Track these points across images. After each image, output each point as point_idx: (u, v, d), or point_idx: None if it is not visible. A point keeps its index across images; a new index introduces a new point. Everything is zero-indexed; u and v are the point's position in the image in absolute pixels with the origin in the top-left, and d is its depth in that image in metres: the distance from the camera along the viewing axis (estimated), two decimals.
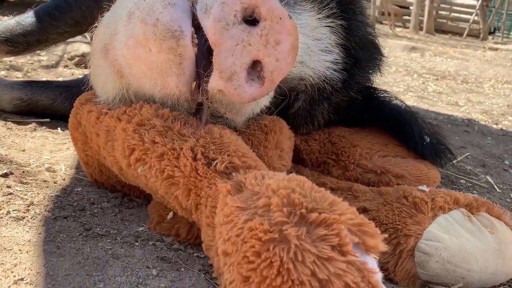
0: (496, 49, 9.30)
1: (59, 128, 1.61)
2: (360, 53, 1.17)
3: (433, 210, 0.88)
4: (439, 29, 13.90)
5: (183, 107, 0.90)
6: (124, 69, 0.91)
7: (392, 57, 7.04)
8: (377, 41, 1.29)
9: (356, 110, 1.26)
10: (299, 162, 1.23)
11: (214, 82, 0.80)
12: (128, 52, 0.86)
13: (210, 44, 0.78)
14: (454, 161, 1.87)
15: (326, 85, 1.13)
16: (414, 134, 1.20)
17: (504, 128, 3.09)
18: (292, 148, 1.12)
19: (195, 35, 0.81)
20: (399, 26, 13.64)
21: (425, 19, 12.12)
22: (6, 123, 1.54)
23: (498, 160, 2.01)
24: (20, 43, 1.61)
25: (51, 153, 1.35)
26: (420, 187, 0.97)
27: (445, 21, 15.13)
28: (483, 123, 3.21)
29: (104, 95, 1.02)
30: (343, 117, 1.26)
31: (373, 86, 1.33)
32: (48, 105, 1.68)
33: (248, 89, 0.80)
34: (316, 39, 1.11)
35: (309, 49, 1.09)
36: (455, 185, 1.65)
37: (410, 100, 3.67)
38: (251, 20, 0.79)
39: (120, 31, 0.89)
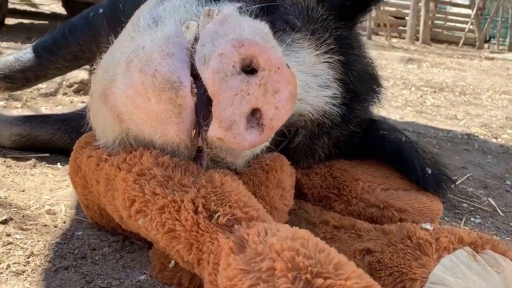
0: (492, 59, 9.35)
1: (59, 163, 1.60)
2: (359, 87, 1.18)
3: (438, 251, 0.87)
4: (435, 39, 14.00)
5: (183, 153, 0.89)
6: (123, 115, 0.91)
7: (389, 69, 7.08)
8: (375, 73, 1.29)
9: (357, 144, 1.26)
10: (301, 196, 1.23)
11: (214, 131, 0.80)
12: (127, 100, 0.86)
13: (209, 95, 0.78)
14: (456, 184, 1.87)
15: (325, 120, 1.13)
16: (415, 167, 1.20)
17: (504, 142, 3.09)
18: (294, 186, 1.11)
19: (194, 85, 0.81)
20: (395, 37, 13.74)
21: (421, 29, 12.22)
22: (5, 160, 1.54)
23: (499, 180, 2.01)
24: (18, 79, 1.62)
25: (51, 192, 1.35)
26: (423, 225, 0.96)
27: (440, 30, 15.24)
28: (482, 137, 3.21)
29: (103, 139, 1.02)
30: (343, 151, 1.26)
31: (372, 117, 1.33)
32: (48, 140, 1.67)
33: (247, 137, 0.80)
34: (314, 75, 1.11)
35: (307, 85, 1.09)
36: (457, 209, 1.65)
37: (409, 115, 3.68)
38: (249, 69, 0.79)
39: (119, 78, 0.89)
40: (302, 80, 1.07)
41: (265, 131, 0.81)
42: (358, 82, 1.18)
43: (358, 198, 1.17)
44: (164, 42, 0.83)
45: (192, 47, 0.85)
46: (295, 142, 1.17)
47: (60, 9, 8.66)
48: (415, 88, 5.26)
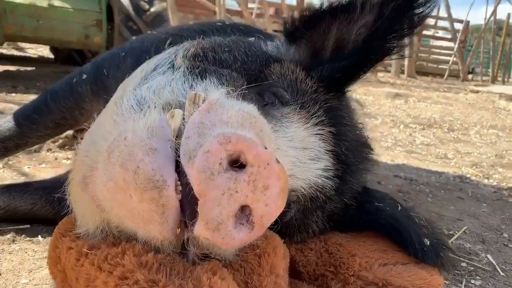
0: (477, 92, 9.53)
1: (39, 236, 1.53)
2: (351, 157, 1.14)
3: None
4: (420, 71, 14.31)
5: (168, 248, 0.84)
6: (104, 206, 0.86)
7: (377, 105, 7.15)
8: (366, 140, 1.26)
9: (352, 217, 1.21)
10: (295, 275, 1.16)
11: (200, 231, 0.75)
12: (108, 194, 0.81)
13: (195, 194, 0.74)
14: (453, 239, 1.82)
15: (318, 193, 1.09)
16: (413, 240, 1.15)
17: (495, 183, 3.08)
18: (288, 268, 1.05)
19: (179, 182, 0.76)
20: (381, 71, 14.00)
21: (406, 63, 12.47)
22: None
23: (496, 233, 1.97)
24: None
25: (30, 274, 1.27)
26: None
27: (425, 63, 15.59)
28: (474, 178, 3.20)
29: (84, 227, 0.97)
30: (338, 223, 1.21)
31: (366, 188, 1.29)
32: (28, 211, 1.60)
33: (236, 236, 0.75)
34: (305, 149, 1.07)
35: (298, 160, 1.05)
36: (457, 270, 1.59)
37: (399, 156, 3.67)
38: (237, 164, 0.75)
39: (100, 168, 0.84)
40: (293, 156, 1.04)
41: (255, 228, 0.76)
42: (350, 153, 1.14)
43: (356, 276, 1.11)
44: (147, 135, 0.79)
45: (177, 139, 0.81)
46: (287, 217, 1.12)
47: (47, 53, 8.70)
48: (404, 126, 5.30)
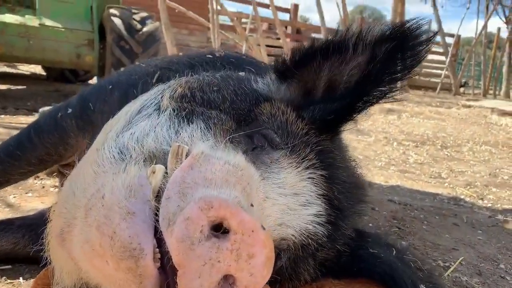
0: (469, 106, 9.58)
1: (21, 278, 1.46)
2: (344, 202, 1.10)
3: None
4: (413, 85, 14.40)
5: None
6: (81, 265, 0.82)
7: (370, 121, 7.15)
8: (360, 181, 1.23)
9: (345, 263, 1.17)
10: None
11: None
12: (84, 257, 0.77)
13: (174, 264, 0.69)
14: (449, 272, 1.78)
15: (310, 240, 1.05)
16: None
17: (490, 205, 3.05)
18: None
19: (158, 249, 0.72)
20: None
21: None
22: None
23: (493, 263, 1.93)
24: None
25: None
26: None
27: (417, 77, 15.69)
28: (469, 199, 3.17)
29: (61, 282, 0.92)
30: (330, 270, 1.16)
31: (359, 231, 1.25)
32: (9, 250, 1.54)
33: None
34: (295, 194, 1.03)
35: (288, 208, 1.01)
36: None
37: (393, 177, 3.64)
38: (219, 230, 0.71)
39: (77, 226, 0.80)
40: (283, 203, 1.00)
41: None
42: (343, 196, 1.10)
43: None
44: (125, 195, 0.75)
45: (157, 199, 0.77)
46: (278, 265, 1.07)
47: (39, 69, 8.65)
48: (397, 143, 5.29)
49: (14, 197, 2.27)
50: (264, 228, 0.71)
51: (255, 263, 0.70)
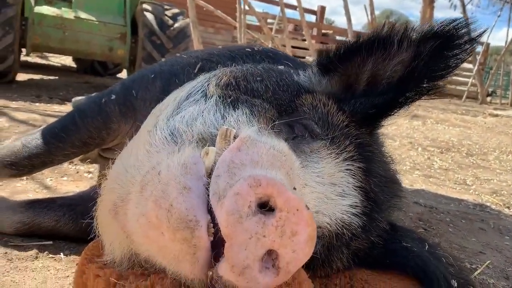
0: (497, 115, 9.39)
1: (61, 253, 1.54)
2: (380, 195, 1.13)
3: None
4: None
5: (197, 286, 0.84)
6: (134, 239, 0.86)
7: (394, 125, 7.10)
8: (396, 176, 1.25)
9: (378, 256, 1.19)
10: None
11: (225, 274, 0.75)
12: (140, 229, 0.81)
13: (222, 235, 0.73)
14: (476, 274, 1.78)
15: (344, 230, 1.08)
16: (440, 283, 1.13)
17: None
18: None
19: (211, 224, 0.76)
20: None
21: None
22: (6, 252, 1.48)
23: None
24: (25, 166, 1.59)
25: None
26: None
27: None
28: (495, 207, 3.14)
29: (111, 254, 0.97)
30: (363, 261, 1.19)
31: (393, 225, 1.27)
32: (51, 227, 1.62)
33: (261, 280, 0.75)
34: (333, 184, 1.06)
35: (326, 197, 1.04)
36: None
37: (417, 181, 3.62)
38: (266, 207, 0.75)
39: (132, 201, 0.85)
40: (321, 192, 1.03)
41: (281, 274, 0.76)
42: (379, 190, 1.13)
43: None
44: (181, 172, 0.79)
45: (209, 177, 0.81)
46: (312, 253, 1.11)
47: (70, 62, 8.87)
48: (422, 149, 5.24)
49: (51, 180, 2.37)
50: (308, 208, 0.75)
51: (298, 241, 0.73)
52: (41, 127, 1.71)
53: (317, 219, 1.03)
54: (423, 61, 1.07)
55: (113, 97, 1.61)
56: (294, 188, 0.86)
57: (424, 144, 5.62)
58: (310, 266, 1.13)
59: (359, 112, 1.15)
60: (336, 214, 1.05)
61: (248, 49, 1.62)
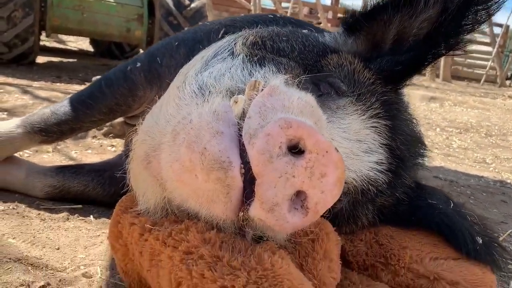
0: None
1: (91, 216, 1.59)
2: (405, 152, 1.14)
3: None
4: (455, 76, 13.94)
5: (229, 228, 0.86)
6: (167, 185, 0.89)
7: (411, 107, 7.03)
8: (421, 136, 1.25)
9: (403, 212, 1.21)
10: (344, 264, 1.17)
11: (255, 211, 0.77)
12: (173, 175, 0.84)
13: (254, 174, 0.76)
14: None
15: (370, 186, 1.09)
16: (465, 239, 1.14)
17: None
18: (339, 255, 1.06)
19: (242, 165, 0.78)
20: None
21: (441, 66, 12.17)
22: (39, 213, 1.54)
23: None
24: (54, 132, 1.63)
25: (86, 250, 1.33)
26: None
27: (460, 67, 15.20)
28: None
29: (144, 204, 1.00)
30: (388, 218, 1.20)
31: (418, 183, 1.28)
32: (80, 192, 1.67)
33: (290, 220, 0.77)
34: (359, 141, 1.07)
35: (352, 152, 1.06)
36: (503, 272, 1.56)
37: (436, 159, 3.61)
38: (296, 150, 0.76)
39: (165, 149, 0.87)
40: (346, 147, 1.04)
41: (309, 214, 0.78)
42: (405, 148, 1.14)
43: (406, 268, 1.11)
44: (213, 119, 0.81)
45: (239, 123, 0.83)
46: (337, 208, 1.12)
47: (87, 46, 8.93)
48: (440, 129, 5.20)
49: (76, 152, 2.42)
50: (337, 151, 0.76)
51: (326, 182, 0.75)
52: (69, 96, 1.75)
53: None
54: (451, 16, 1.07)
55: (139, 64, 1.63)
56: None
57: (442, 125, 5.56)
58: (335, 222, 1.15)
59: (385, 69, 1.15)
60: (362, 170, 1.07)
61: (271, 16, 1.63)
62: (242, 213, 0.81)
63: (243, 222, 0.83)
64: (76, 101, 1.67)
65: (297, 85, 1.02)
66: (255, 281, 0.75)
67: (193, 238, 0.83)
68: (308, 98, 0.92)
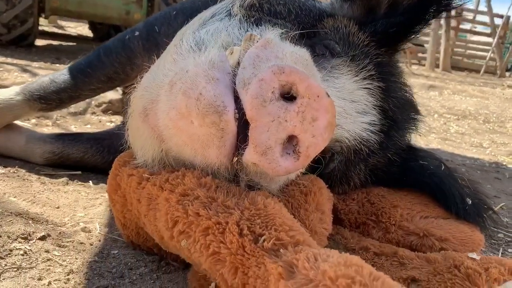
0: None
1: (90, 182, 1.62)
2: (398, 114, 1.16)
3: (488, 282, 0.84)
4: (455, 66, 13.93)
5: (223, 175, 0.89)
6: (164, 136, 0.91)
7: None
8: (414, 100, 1.28)
9: (395, 173, 1.23)
10: (337, 221, 1.20)
11: (249, 155, 0.79)
12: (170, 122, 0.86)
13: (247, 118, 0.78)
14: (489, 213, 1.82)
15: (362, 146, 1.11)
16: (455, 199, 1.17)
17: None
18: (331, 210, 1.09)
19: (236, 110, 0.80)
20: (415, 64, 13.71)
21: (441, 57, 12.16)
22: (39, 177, 1.56)
23: None
24: (53, 100, 1.65)
25: (85, 210, 1.35)
26: (470, 255, 0.93)
27: (460, 58, 15.17)
28: (511, 166, 3.14)
29: (142, 158, 1.02)
30: (381, 179, 1.23)
31: (411, 145, 1.31)
32: (79, 158, 1.70)
33: (282, 163, 0.79)
34: (353, 101, 1.10)
35: (345, 111, 1.08)
36: (493, 239, 1.60)
37: (433, 143, 3.63)
38: (288, 96, 0.79)
39: (162, 100, 0.89)
40: (340, 106, 1.06)
41: (301, 158, 0.80)
42: (398, 110, 1.16)
43: (397, 226, 1.14)
44: (209, 67, 0.83)
45: (234, 72, 0.85)
46: (330, 167, 1.15)
47: (86, 31, 8.91)
48: (438, 115, 5.22)
49: (75, 127, 2.44)
50: (328, 96, 0.79)
51: (318, 126, 0.77)
52: (68, 65, 1.77)
53: (337, 132, 1.07)
54: None
55: (137, 33, 1.65)
56: None
57: (440, 111, 5.59)
58: (328, 183, 1.18)
59: (379, 32, 1.17)
60: (355, 130, 1.09)
61: None
62: (236, 158, 0.83)
63: (237, 167, 0.85)
64: (75, 70, 1.69)
65: (291, 41, 1.04)
66: (248, 218, 0.77)
67: (189, 182, 0.86)
68: (302, 52, 0.94)
